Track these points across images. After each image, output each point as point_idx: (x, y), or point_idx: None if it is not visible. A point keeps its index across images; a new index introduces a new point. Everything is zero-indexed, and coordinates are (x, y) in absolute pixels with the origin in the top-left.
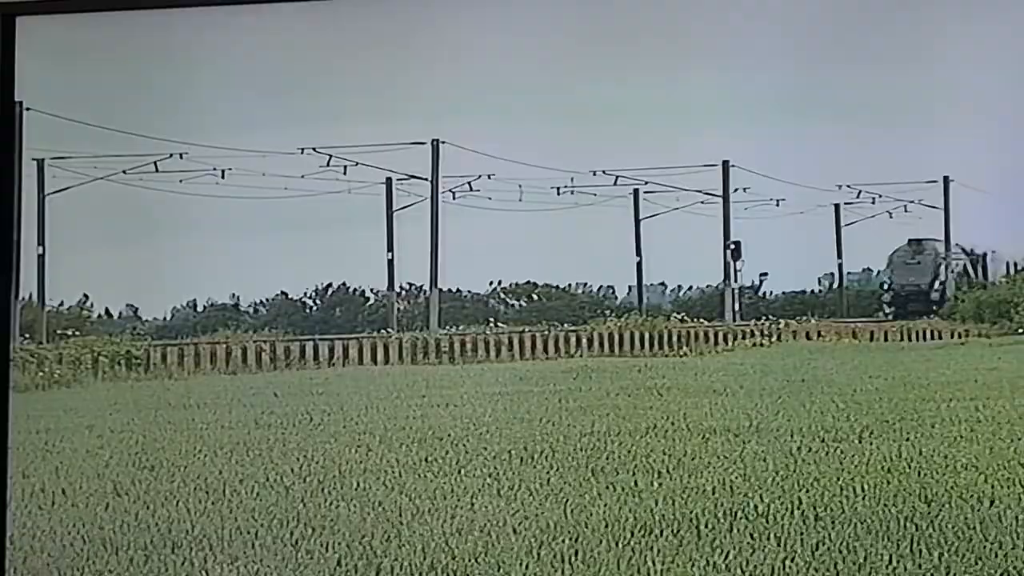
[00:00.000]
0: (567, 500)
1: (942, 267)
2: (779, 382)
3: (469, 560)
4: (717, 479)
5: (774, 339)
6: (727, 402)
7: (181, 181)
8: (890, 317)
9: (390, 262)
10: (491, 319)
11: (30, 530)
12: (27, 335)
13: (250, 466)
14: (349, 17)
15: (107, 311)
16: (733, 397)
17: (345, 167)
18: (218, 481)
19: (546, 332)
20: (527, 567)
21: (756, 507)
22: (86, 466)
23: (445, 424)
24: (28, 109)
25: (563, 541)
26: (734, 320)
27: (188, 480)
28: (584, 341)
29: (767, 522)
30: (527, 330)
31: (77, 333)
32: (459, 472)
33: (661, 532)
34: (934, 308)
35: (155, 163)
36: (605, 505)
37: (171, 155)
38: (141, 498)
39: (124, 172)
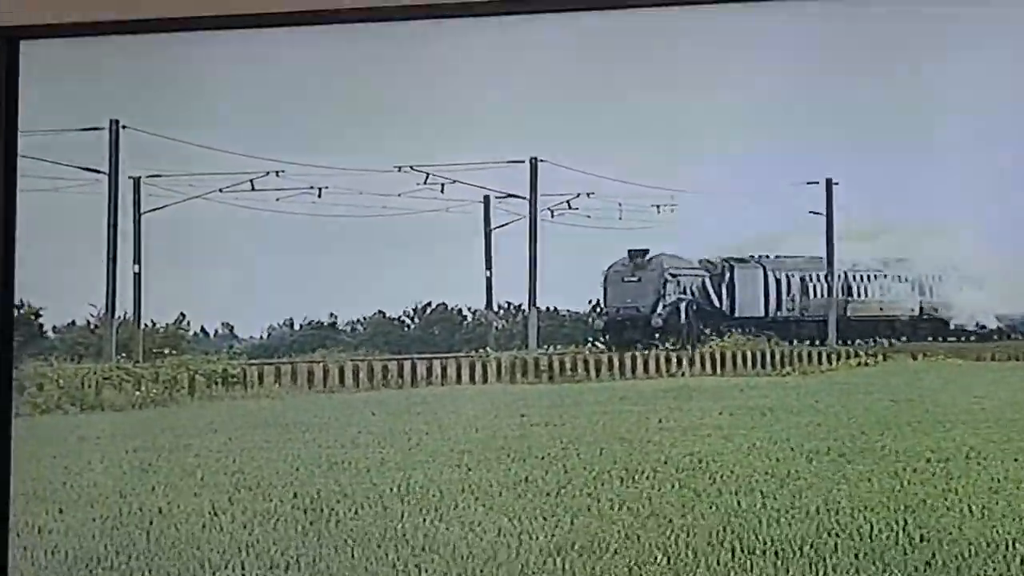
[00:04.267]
0: (669, 520)
1: (669, 285)
2: (883, 402)
3: None
4: (821, 500)
5: (879, 359)
6: (831, 422)
7: (278, 199)
8: (603, 348)
9: (488, 280)
10: (590, 338)
11: (127, 549)
12: (124, 354)
13: (348, 485)
14: (446, 36)
15: (203, 329)
16: (837, 417)
17: (442, 185)
18: (316, 500)
19: (646, 352)
20: None
21: (860, 528)
22: (184, 486)
23: (544, 444)
24: (124, 127)
25: (664, 562)
26: (837, 340)
27: (285, 500)
28: (685, 360)
29: (872, 543)
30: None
31: (173, 352)
32: (559, 492)
33: (764, 552)
34: (656, 336)
35: (251, 181)
36: (707, 525)
37: (267, 173)
38: (239, 518)
39: (220, 191)
